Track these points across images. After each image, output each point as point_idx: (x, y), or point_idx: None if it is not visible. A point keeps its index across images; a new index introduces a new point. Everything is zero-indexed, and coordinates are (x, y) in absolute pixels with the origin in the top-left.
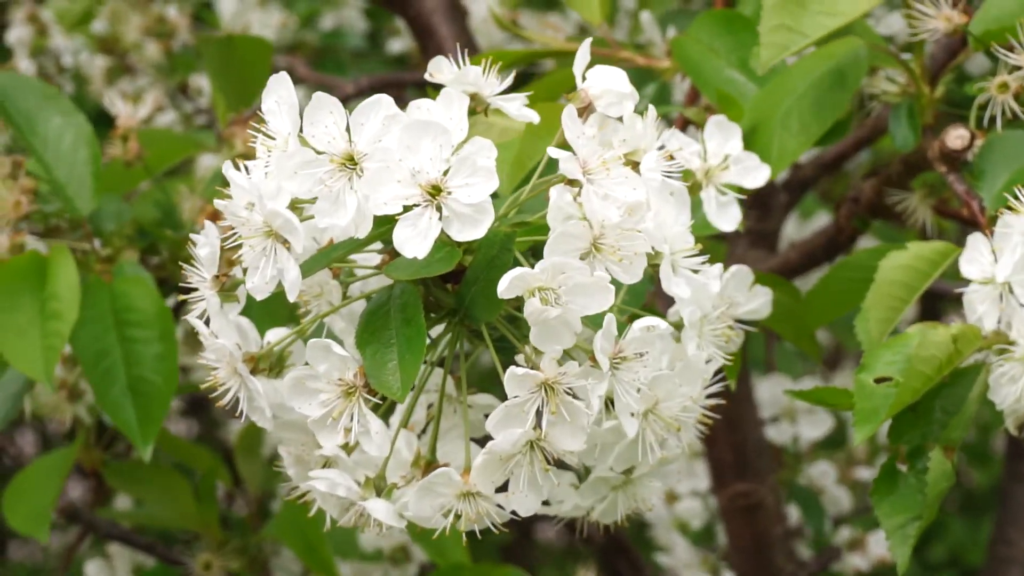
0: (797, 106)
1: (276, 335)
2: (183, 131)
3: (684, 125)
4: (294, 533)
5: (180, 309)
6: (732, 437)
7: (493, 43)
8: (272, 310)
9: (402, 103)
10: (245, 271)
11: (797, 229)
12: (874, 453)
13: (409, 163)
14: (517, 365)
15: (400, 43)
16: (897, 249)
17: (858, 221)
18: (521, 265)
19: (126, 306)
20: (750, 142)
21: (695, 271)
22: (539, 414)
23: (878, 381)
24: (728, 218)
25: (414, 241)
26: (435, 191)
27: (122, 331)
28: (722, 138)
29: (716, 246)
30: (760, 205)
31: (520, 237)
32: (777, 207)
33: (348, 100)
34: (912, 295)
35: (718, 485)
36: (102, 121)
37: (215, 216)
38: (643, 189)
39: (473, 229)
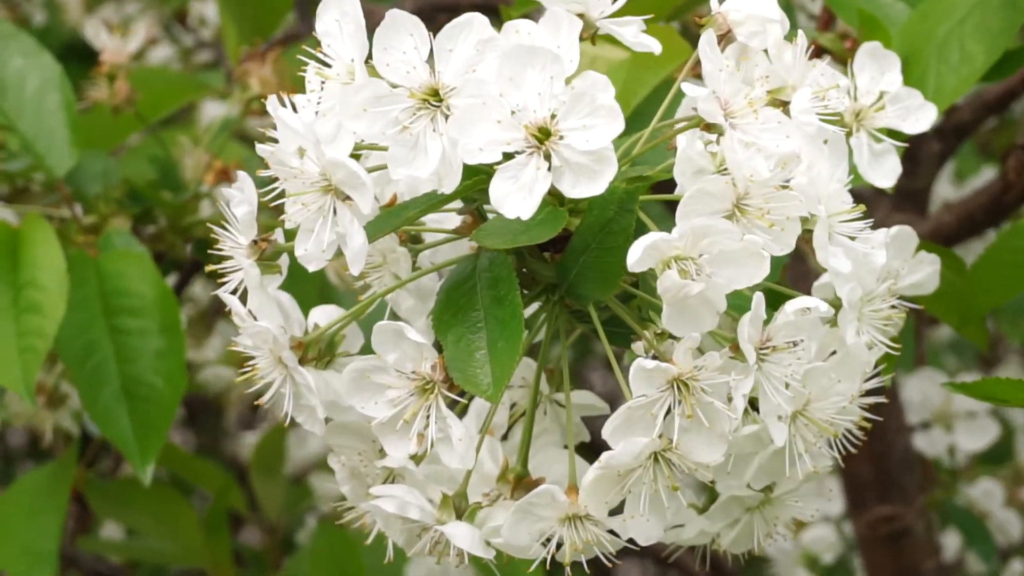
0: (958, 31)
1: (325, 315)
2: (182, 70)
3: (815, 56)
4: (329, 569)
5: (181, 289)
6: (872, 447)
7: None
8: (298, 283)
9: None
10: (288, 235)
11: (951, 188)
12: None
13: (511, 99)
14: (636, 355)
15: None
16: None
17: None
18: (648, 229)
19: (117, 289)
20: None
21: (851, 238)
22: (666, 417)
23: None
24: (884, 171)
25: (516, 198)
26: (543, 135)
27: (112, 320)
28: (876, 71)
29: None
30: (906, 156)
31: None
32: (927, 159)
33: None
34: None
35: (854, 508)
36: (82, 57)
37: (224, 174)
38: (797, 137)
39: (591, 183)
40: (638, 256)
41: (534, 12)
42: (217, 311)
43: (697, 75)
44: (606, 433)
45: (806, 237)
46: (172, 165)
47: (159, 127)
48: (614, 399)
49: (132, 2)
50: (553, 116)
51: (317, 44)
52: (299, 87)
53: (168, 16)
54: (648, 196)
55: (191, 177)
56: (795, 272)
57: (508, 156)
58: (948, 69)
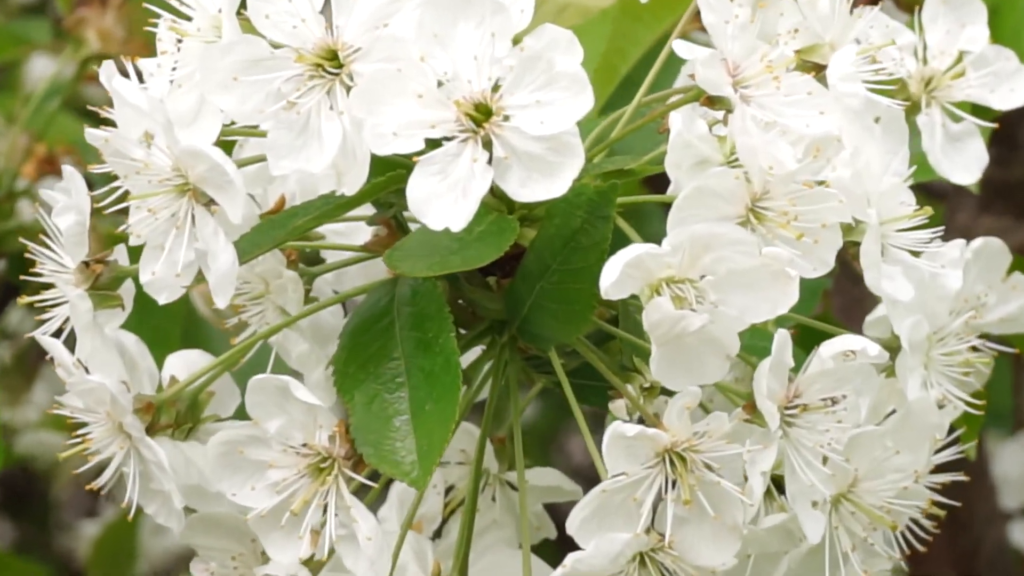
0: None
1: (185, 365)
2: None
3: (864, 1)
4: None
5: None
6: (952, 543)
7: None
8: (150, 319)
9: None
10: (133, 253)
11: None
12: None
13: (437, 65)
14: (614, 417)
15: None
16: None
17: None
18: (630, 242)
19: None
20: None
21: (915, 253)
22: (655, 504)
23: None
24: (964, 161)
25: (444, 202)
26: (482, 114)
27: None
28: (954, 23)
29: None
30: (996, 140)
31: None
32: None
33: None
34: None
35: None
36: None
37: (50, 163)
38: (836, 113)
39: (548, 181)
40: (615, 277)
41: None
42: (42, 353)
43: (701, 28)
44: (572, 527)
45: (853, 252)
46: None
47: None
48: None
49: None
50: (496, 88)
51: None
52: (151, 45)
53: None
54: (630, 197)
55: (4, 167)
56: (843, 301)
57: (433, 144)
58: None
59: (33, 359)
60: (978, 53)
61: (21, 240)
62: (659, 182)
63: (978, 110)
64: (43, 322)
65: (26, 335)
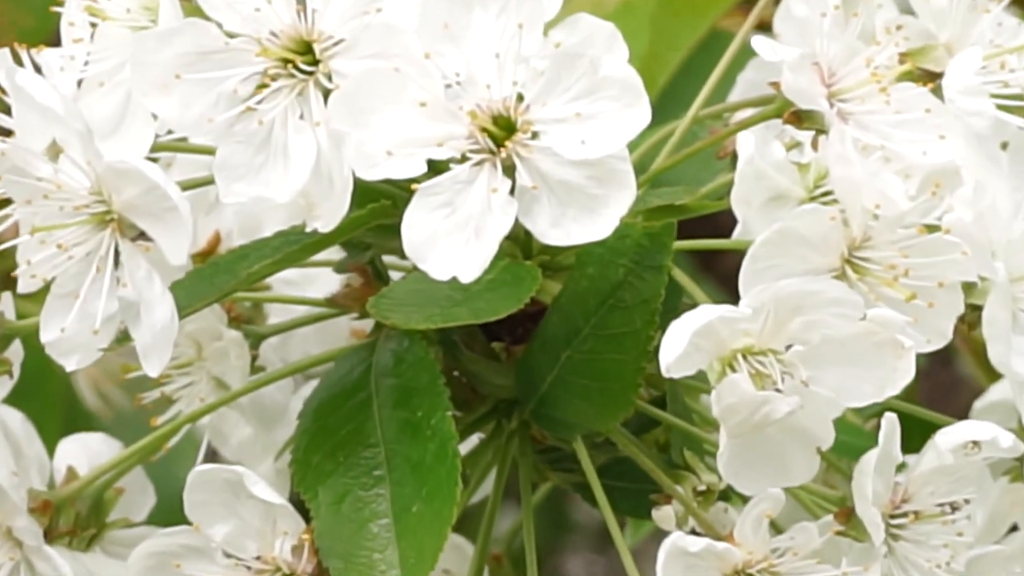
0: None
1: (85, 453)
2: None
3: None
4: None
5: None
6: None
7: None
8: (30, 407)
9: None
10: (22, 304)
11: None
12: None
13: (446, 64)
14: (659, 528)
15: None
16: None
17: None
18: (693, 301)
19: None
20: None
21: None
22: None
23: None
24: None
25: (452, 243)
26: (503, 129)
27: None
28: None
29: None
30: None
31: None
32: None
33: None
34: None
35: None
36: None
37: None
38: (958, 137)
39: (588, 220)
40: (682, 349)
41: None
42: None
43: (761, 26)
44: None
45: (970, 320)
46: None
47: None
48: None
49: None
50: (520, 98)
51: None
52: (38, 37)
53: None
54: (685, 242)
55: None
56: (929, 385)
57: (438, 167)
58: None
59: None
60: None
61: None
62: (703, 225)
63: None
64: None
65: None
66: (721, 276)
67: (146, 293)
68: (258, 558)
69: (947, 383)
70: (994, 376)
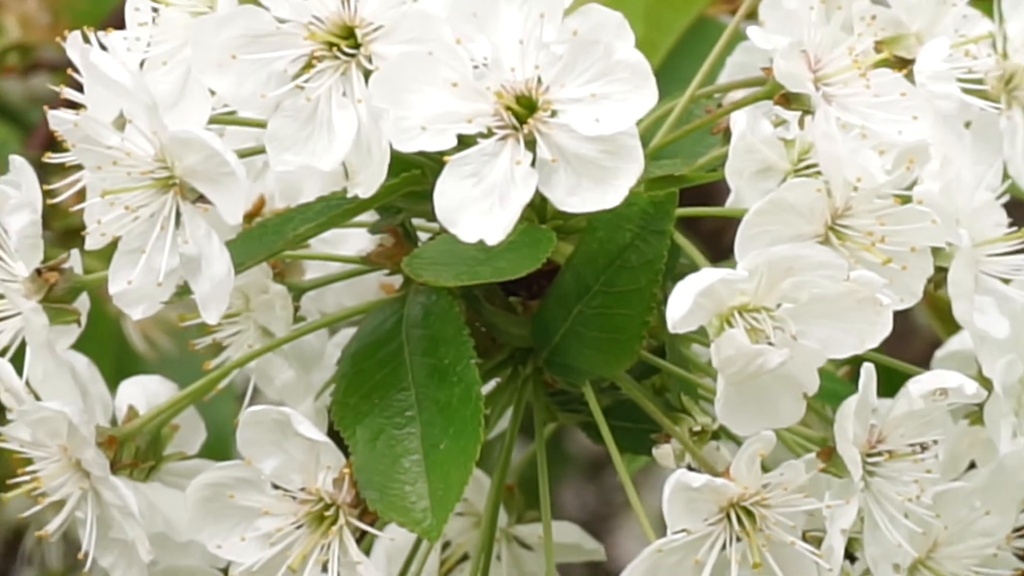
0: None
1: (143, 394)
2: None
3: None
4: None
5: None
6: None
7: None
8: (84, 352)
9: None
10: (90, 259)
11: None
12: None
13: (474, 49)
14: (658, 463)
15: None
16: None
17: None
18: (693, 265)
19: None
20: None
21: (1004, 280)
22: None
23: None
24: None
25: (479, 209)
26: (526, 108)
27: None
28: None
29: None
30: None
31: None
32: None
33: None
34: None
35: None
36: None
37: None
38: (928, 117)
39: (600, 190)
40: (687, 308)
41: None
42: None
43: (752, 13)
44: None
45: (936, 280)
46: None
47: None
48: (594, 527)
49: None
50: (540, 80)
51: None
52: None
53: None
54: (685, 209)
55: None
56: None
57: (467, 141)
58: None
59: None
60: None
61: None
62: (698, 194)
63: None
64: None
65: None
66: (702, 235)
67: (206, 249)
68: (303, 489)
69: (903, 332)
70: (950, 327)
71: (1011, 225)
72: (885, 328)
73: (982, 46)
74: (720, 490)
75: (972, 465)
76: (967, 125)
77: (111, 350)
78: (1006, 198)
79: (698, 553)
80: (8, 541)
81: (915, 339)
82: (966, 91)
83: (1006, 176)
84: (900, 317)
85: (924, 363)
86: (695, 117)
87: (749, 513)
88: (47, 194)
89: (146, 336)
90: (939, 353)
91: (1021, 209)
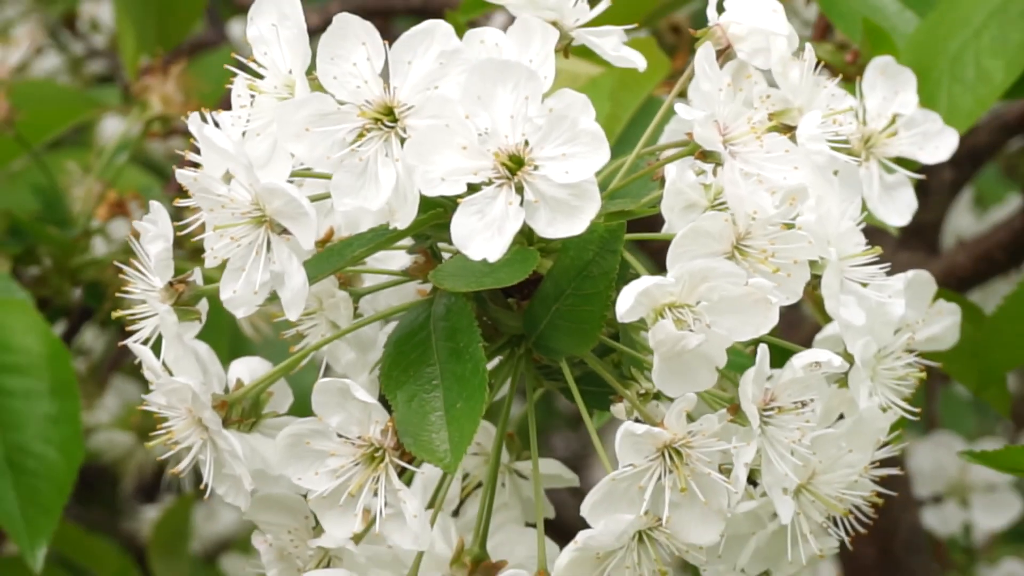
0: (973, 45)
1: (248, 370)
2: (72, 83)
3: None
4: None
5: (70, 340)
6: (875, 525)
7: None
8: (206, 333)
9: (389, 38)
10: (208, 276)
11: (971, 217)
12: None
13: (479, 122)
14: (611, 417)
15: None
16: None
17: None
18: (636, 273)
19: None
20: None
21: (863, 284)
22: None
23: None
24: (898, 207)
25: (483, 236)
26: (515, 164)
27: None
28: (888, 90)
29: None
30: (917, 186)
31: None
32: (938, 188)
33: (312, 34)
34: None
35: None
36: None
37: (119, 206)
38: (806, 167)
39: (569, 221)
40: (629, 304)
41: (481, 19)
42: (111, 365)
43: (682, 93)
44: (585, 509)
45: (813, 284)
46: (59, 196)
47: (45, 151)
48: (574, 464)
49: (13, 4)
50: (527, 143)
51: (245, 51)
52: (209, 105)
53: (55, 20)
54: (632, 234)
55: (81, 210)
56: (785, 320)
57: (474, 188)
58: (963, 88)
59: (103, 371)
60: (909, 116)
61: (99, 267)
62: (642, 224)
63: (905, 163)
64: (127, 335)
65: (109, 347)
66: (649, 252)
67: (288, 267)
68: (359, 438)
69: (794, 321)
70: (826, 318)
71: (867, 245)
72: (773, 320)
73: (847, 116)
74: (657, 436)
75: (841, 417)
76: (835, 173)
77: (227, 337)
78: (863, 225)
79: (641, 481)
80: (155, 474)
81: (803, 326)
82: (834, 148)
83: (864, 209)
84: (791, 310)
85: (808, 344)
86: (641, 168)
87: (678, 452)
88: (179, 227)
89: (253, 325)
90: (818, 336)
91: (873, 234)
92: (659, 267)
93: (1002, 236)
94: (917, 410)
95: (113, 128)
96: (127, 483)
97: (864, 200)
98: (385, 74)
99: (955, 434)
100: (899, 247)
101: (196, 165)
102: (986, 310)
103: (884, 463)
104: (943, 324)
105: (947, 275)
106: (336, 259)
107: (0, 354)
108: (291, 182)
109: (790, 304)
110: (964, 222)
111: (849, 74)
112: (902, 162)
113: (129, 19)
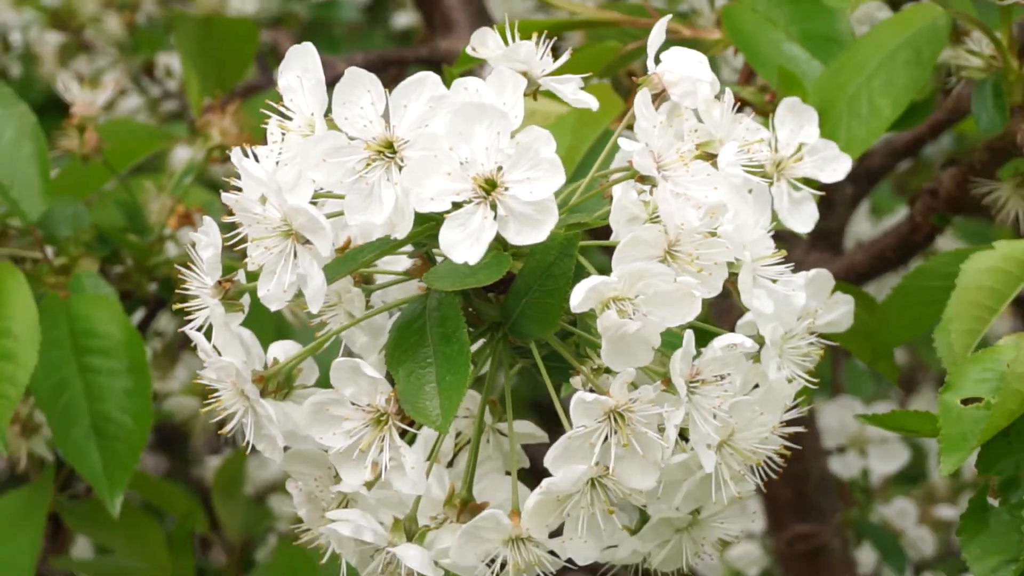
0: (867, 87)
1: (283, 351)
2: (150, 120)
3: (738, 109)
4: None
5: (147, 325)
6: (791, 471)
7: (512, 12)
8: (256, 320)
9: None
10: (250, 276)
11: (868, 224)
12: (959, 489)
13: (460, 153)
14: (573, 388)
15: (406, 17)
16: (983, 250)
17: (937, 218)
18: (588, 272)
19: (87, 330)
20: None
21: (773, 280)
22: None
23: (966, 402)
24: (803, 217)
25: (464, 244)
26: (490, 186)
27: (83, 360)
28: (795, 124)
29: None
30: (821, 200)
31: None
32: (841, 202)
33: (332, 83)
34: (1001, 303)
35: (775, 526)
36: (54, 108)
37: (187, 217)
38: (724, 187)
39: (533, 231)
40: (581, 298)
41: (476, 68)
42: (182, 345)
43: (629, 126)
44: (548, 461)
45: (732, 279)
46: (138, 210)
47: (128, 175)
48: (546, 426)
49: (103, 55)
50: (499, 169)
51: (279, 98)
52: (257, 136)
53: (137, 68)
54: (586, 242)
55: (156, 221)
56: (719, 308)
57: (457, 205)
58: (858, 121)
59: (175, 349)
60: (812, 144)
61: (171, 266)
62: (600, 233)
63: (810, 182)
64: (187, 322)
65: (177, 331)
66: (607, 252)
67: (310, 271)
68: (368, 405)
69: (725, 309)
70: (747, 308)
71: (776, 248)
72: (697, 310)
73: (762, 145)
74: (604, 402)
75: (757, 387)
76: (750, 192)
77: (272, 323)
78: (773, 232)
79: (592, 439)
80: (217, 431)
81: (733, 312)
82: (749, 172)
83: (775, 219)
84: (724, 299)
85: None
86: (595, 187)
87: (622, 416)
88: (227, 238)
89: (293, 313)
90: (739, 322)
91: (790, 239)
92: (608, 263)
93: (892, 240)
94: (817, 380)
95: (182, 155)
96: (195, 438)
97: (776, 212)
98: (386, 115)
99: (856, 397)
100: (810, 249)
101: (239, 189)
102: (879, 299)
103: (793, 422)
104: (840, 311)
105: (848, 271)
106: (350, 263)
107: (89, 339)
108: (313, 203)
109: (715, 296)
110: (863, 228)
111: (768, 111)
112: (807, 182)
113: (194, 68)
